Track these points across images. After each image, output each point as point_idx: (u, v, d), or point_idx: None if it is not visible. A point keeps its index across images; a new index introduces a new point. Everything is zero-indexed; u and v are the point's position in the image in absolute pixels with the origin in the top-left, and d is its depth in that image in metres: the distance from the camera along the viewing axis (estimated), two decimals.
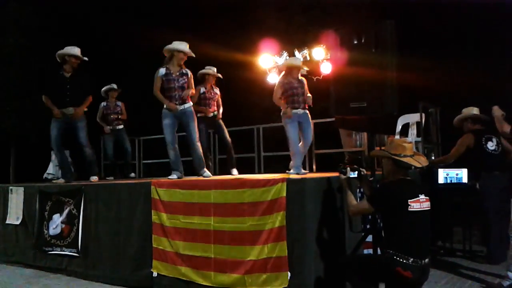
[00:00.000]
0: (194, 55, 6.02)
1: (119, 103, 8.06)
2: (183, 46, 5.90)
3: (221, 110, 7.15)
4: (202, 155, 6.05)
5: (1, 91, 14.77)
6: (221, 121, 7.14)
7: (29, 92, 14.74)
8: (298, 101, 5.61)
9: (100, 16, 15.67)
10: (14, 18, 14.86)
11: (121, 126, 8.02)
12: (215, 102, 7.12)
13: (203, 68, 7.18)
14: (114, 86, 8.07)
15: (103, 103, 8.05)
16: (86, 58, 6.65)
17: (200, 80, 7.09)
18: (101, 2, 16.17)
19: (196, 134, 5.97)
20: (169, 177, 5.75)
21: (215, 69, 7.20)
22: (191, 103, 6.08)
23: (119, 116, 7.97)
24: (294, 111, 5.54)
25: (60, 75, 6.56)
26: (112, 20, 15.31)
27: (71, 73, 6.56)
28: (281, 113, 5.66)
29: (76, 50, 6.54)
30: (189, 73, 6.02)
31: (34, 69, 14.63)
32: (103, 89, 8.08)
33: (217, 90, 7.19)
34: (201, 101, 6.95)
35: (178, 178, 5.74)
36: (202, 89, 6.98)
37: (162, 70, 5.87)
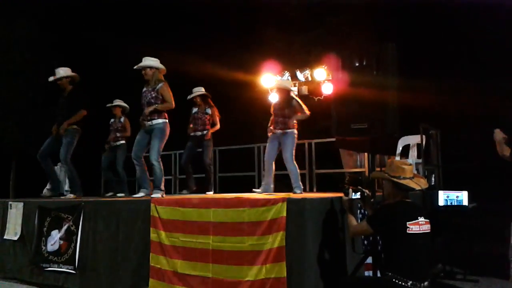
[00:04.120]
0: (159, 68, 6.06)
1: (123, 119, 8.00)
2: (143, 62, 6.04)
3: (208, 131, 7.26)
4: (158, 174, 5.96)
5: (5, 106, 14.86)
6: (208, 142, 7.26)
7: (33, 107, 14.86)
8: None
9: (104, 34, 15.84)
10: (20, 34, 15.03)
11: (119, 143, 7.87)
12: (203, 122, 7.29)
13: (207, 87, 7.38)
14: (115, 102, 8.11)
15: (112, 119, 8.09)
16: (61, 75, 6.81)
17: (194, 101, 7.44)
18: (106, 19, 16.38)
19: (155, 153, 5.88)
20: (135, 195, 5.98)
21: (201, 89, 7.36)
22: (163, 119, 5.97)
23: (117, 134, 7.89)
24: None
25: (61, 96, 6.99)
26: (117, 38, 15.48)
27: (66, 92, 6.89)
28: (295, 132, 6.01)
29: (60, 72, 6.82)
30: (159, 86, 5.95)
31: (38, 84, 14.76)
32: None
33: (208, 111, 7.31)
34: (193, 121, 7.36)
35: (146, 195, 5.88)
36: (195, 109, 7.38)
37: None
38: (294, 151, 6.06)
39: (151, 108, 5.88)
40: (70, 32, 15.96)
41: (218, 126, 7.44)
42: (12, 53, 14.84)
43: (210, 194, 7.14)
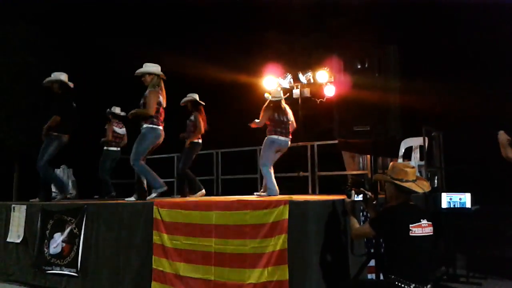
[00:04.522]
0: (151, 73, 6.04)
1: (107, 125, 8.10)
2: (143, 68, 6.06)
3: (189, 139, 7.11)
4: (145, 175, 6.00)
5: (8, 109, 14.91)
6: (186, 149, 7.13)
7: (35, 110, 14.90)
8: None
9: (106, 36, 15.88)
10: (22, 37, 15.09)
11: (104, 149, 8.03)
12: (188, 129, 7.24)
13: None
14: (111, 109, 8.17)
15: None
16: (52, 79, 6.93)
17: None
18: (108, 22, 16.43)
19: (132, 155, 5.89)
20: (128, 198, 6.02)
21: (193, 96, 7.31)
22: (147, 124, 5.91)
23: (103, 139, 8.04)
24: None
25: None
26: (120, 41, 15.52)
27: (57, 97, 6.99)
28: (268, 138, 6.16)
29: (52, 76, 6.97)
30: (146, 92, 5.96)
31: (41, 88, 14.81)
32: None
33: (192, 117, 7.22)
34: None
35: (136, 199, 5.92)
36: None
37: None
38: (268, 155, 6.17)
39: (133, 111, 5.99)
40: (72, 35, 16.01)
41: (198, 133, 7.14)
42: (14, 56, 14.90)
43: (200, 193, 7.08)
